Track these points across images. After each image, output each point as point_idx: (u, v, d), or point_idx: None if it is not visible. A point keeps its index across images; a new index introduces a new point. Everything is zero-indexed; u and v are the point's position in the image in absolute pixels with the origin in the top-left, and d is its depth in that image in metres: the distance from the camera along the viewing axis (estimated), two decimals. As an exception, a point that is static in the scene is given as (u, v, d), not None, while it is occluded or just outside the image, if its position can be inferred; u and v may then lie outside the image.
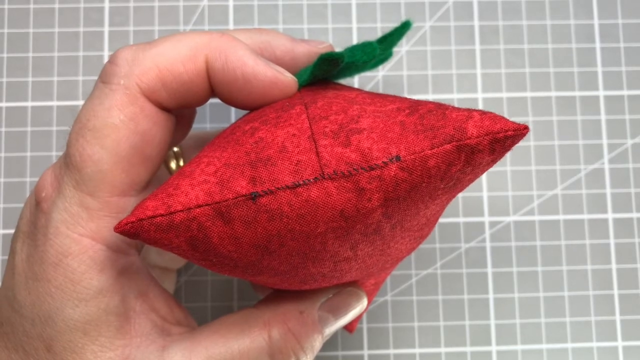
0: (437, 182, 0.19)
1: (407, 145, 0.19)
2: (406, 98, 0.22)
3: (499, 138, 0.19)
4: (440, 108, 0.20)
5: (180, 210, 0.19)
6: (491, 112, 0.19)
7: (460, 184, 0.20)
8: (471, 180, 0.21)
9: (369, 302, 0.28)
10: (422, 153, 0.19)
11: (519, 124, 0.19)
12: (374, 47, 0.25)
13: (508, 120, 0.19)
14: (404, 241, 0.22)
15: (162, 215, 0.19)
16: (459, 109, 0.20)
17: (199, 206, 0.19)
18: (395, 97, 0.22)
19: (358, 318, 0.29)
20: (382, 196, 0.19)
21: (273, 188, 0.19)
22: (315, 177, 0.19)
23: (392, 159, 0.19)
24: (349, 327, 0.30)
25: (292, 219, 0.19)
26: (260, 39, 0.25)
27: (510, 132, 0.19)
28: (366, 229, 0.20)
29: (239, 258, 0.20)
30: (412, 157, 0.19)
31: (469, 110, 0.19)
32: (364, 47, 0.25)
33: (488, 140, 0.19)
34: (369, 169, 0.19)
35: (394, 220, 0.20)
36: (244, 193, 0.19)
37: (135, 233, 0.19)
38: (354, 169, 0.19)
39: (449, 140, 0.19)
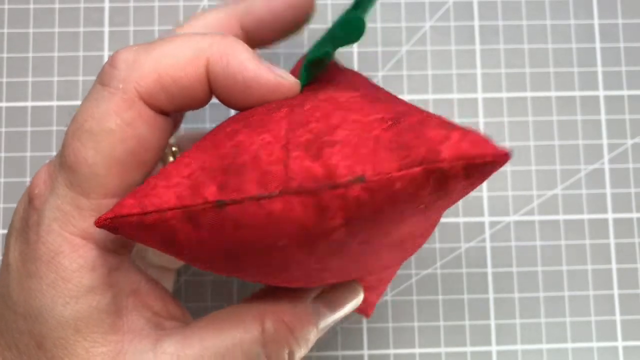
0: (404, 205, 0.18)
1: (375, 165, 0.18)
2: (400, 104, 0.20)
3: (475, 164, 0.17)
4: (422, 124, 0.18)
5: (153, 211, 0.19)
6: (475, 133, 0.17)
7: (437, 206, 0.19)
8: (454, 201, 0.19)
9: (380, 295, 0.27)
10: (389, 175, 0.17)
11: (500, 150, 0.17)
12: (355, 19, 0.22)
13: (490, 144, 0.17)
14: (382, 254, 0.21)
15: (136, 214, 0.19)
16: (442, 126, 0.18)
17: (171, 209, 0.19)
18: (388, 102, 0.21)
19: (376, 300, 0.28)
20: (344, 215, 0.18)
21: (239, 198, 0.18)
22: (280, 191, 0.18)
23: (357, 179, 0.18)
24: (364, 311, 0.28)
25: (254, 229, 0.19)
26: (239, 10, 0.26)
27: (488, 159, 0.17)
28: (329, 246, 0.19)
29: (210, 260, 0.20)
30: (377, 178, 0.17)
31: (451, 129, 0.18)
32: (342, 25, 0.23)
33: (462, 165, 0.17)
34: (333, 187, 0.18)
35: (358, 238, 0.19)
36: (211, 200, 0.19)
37: (114, 227, 0.20)
38: (318, 185, 0.18)
39: (419, 162, 0.17)
